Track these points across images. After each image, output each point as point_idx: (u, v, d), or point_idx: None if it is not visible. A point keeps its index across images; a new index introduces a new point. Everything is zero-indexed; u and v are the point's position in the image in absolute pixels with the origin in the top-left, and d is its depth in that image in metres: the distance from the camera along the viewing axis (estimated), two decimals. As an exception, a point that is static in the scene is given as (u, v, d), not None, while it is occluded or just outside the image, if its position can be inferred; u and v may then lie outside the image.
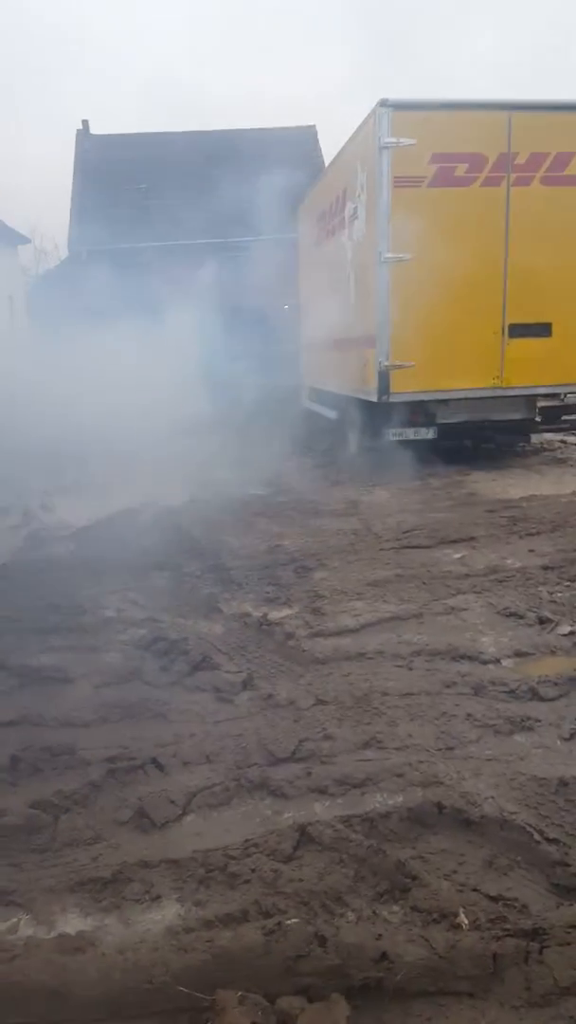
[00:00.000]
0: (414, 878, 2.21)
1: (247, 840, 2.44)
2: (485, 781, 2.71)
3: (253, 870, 2.25)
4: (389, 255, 7.85)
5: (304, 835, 2.42)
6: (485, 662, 3.75)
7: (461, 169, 7.78)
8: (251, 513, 7.03)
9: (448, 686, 3.47)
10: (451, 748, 2.95)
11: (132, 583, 5.23)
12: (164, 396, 16.44)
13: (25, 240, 22.79)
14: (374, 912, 2.11)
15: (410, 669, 3.67)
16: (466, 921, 2.02)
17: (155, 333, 18.16)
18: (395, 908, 2.14)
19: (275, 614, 4.47)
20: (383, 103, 7.58)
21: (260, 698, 3.45)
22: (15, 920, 2.16)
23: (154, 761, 2.92)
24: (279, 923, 1.98)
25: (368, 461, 9.21)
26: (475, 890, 2.19)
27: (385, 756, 2.91)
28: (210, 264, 22.37)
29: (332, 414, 10.99)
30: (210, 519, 6.85)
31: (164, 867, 2.32)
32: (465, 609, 4.38)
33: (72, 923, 2.15)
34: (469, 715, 3.18)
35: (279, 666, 3.81)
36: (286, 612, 4.54)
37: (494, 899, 2.14)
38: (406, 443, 8.74)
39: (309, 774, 2.80)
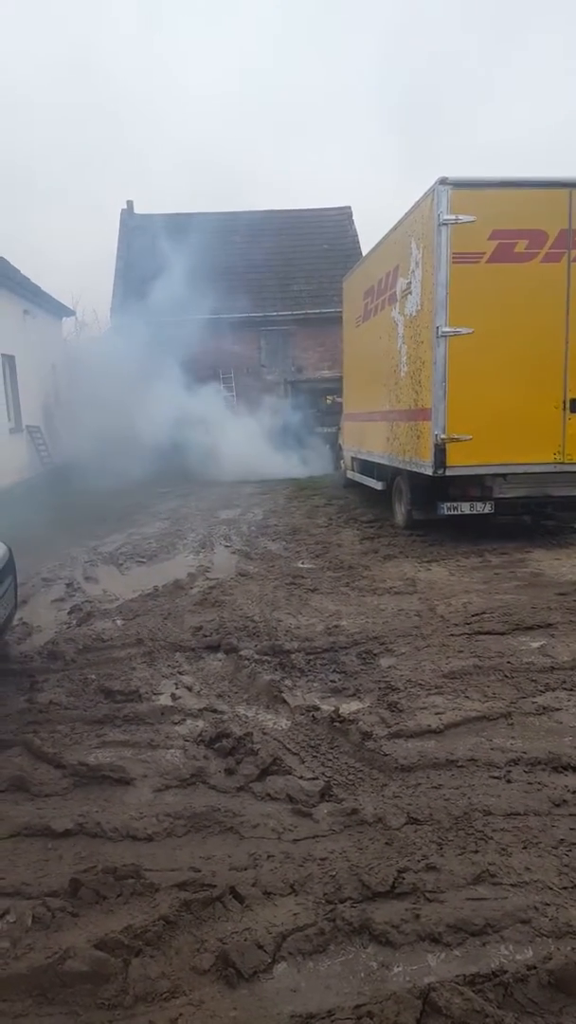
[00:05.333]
0: (573, 1075, 1.79)
1: (358, 1006, 2.04)
2: (629, 934, 2.29)
3: (373, 1053, 1.85)
4: (447, 329, 7.71)
5: (428, 1003, 2.01)
6: (592, 774, 3.33)
7: (521, 245, 7.69)
8: (304, 589, 6.70)
9: (557, 805, 3.05)
10: (578, 887, 2.53)
11: (186, 665, 4.92)
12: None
13: (70, 312, 23.33)
14: None
15: (509, 782, 3.26)
16: None
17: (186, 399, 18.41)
18: None
19: (346, 708, 4.10)
20: (442, 181, 7.57)
21: (342, 813, 3.06)
22: None
23: (232, 891, 2.54)
24: None
25: (419, 535, 8.90)
26: None
27: (502, 895, 2.50)
28: (248, 338, 22.78)
29: (378, 485, 10.76)
30: (261, 594, 6.54)
31: (263, 1042, 1.93)
32: (558, 709, 3.97)
33: None
34: (591, 844, 2.76)
35: (358, 772, 3.42)
36: (357, 706, 4.16)
37: None
38: (460, 517, 8.44)
39: (417, 916, 2.39)
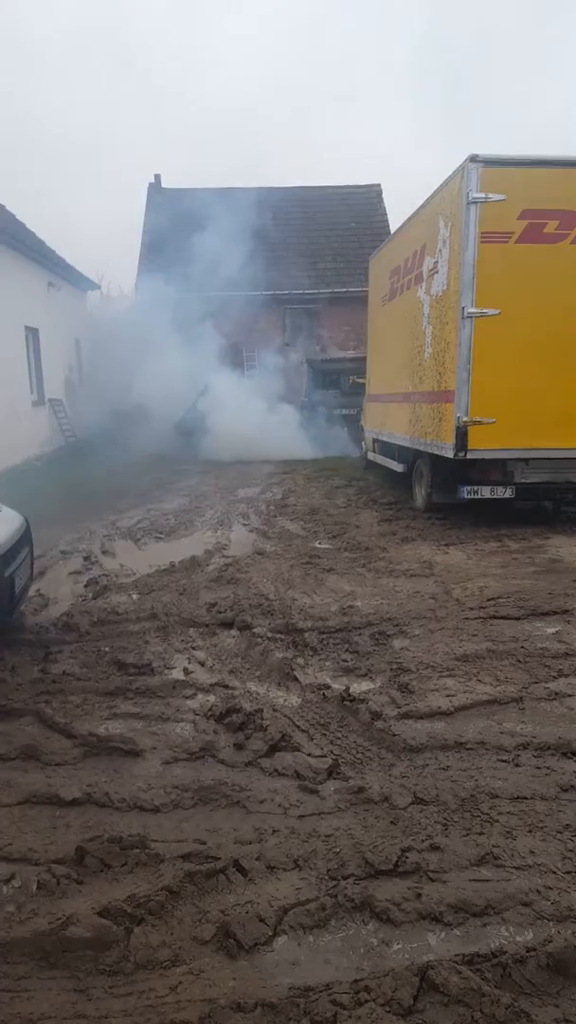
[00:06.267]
0: (569, 1058, 1.79)
1: (356, 981, 2.05)
2: (631, 921, 2.28)
3: (369, 1028, 1.86)
4: (472, 310, 7.59)
5: (425, 981, 2.02)
6: (602, 761, 3.30)
7: (551, 226, 7.53)
8: (320, 569, 6.69)
9: (565, 790, 3.04)
10: (582, 872, 2.52)
11: (199, 641, 4.94)
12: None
13: (94, 286, 23.28)
14: None
15: (517, 766, 3.25)
16: None
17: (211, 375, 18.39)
18: None
19: (357, 687, 4.10)
20: (472, 158, 7.41)
21: (349, 791, 3.07)
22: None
23: (236, 864, 2.56)
24: None
25: (438, 518, 8.85)
26: None
27: (505, 877, 2.50)
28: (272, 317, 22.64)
29: (399, 467, 10.68)
30: (277, 573, 6.54)
31: (260, 1012, 1.95)
32: (571, 695, 3.94)
33: None
34: (597, 830, 2.74)
35: (366, 751, 3.43)
36: (368, 686, 4.16)
37: None
38: (480, 501, 8.37)
39: (418, 895, 2.40)
